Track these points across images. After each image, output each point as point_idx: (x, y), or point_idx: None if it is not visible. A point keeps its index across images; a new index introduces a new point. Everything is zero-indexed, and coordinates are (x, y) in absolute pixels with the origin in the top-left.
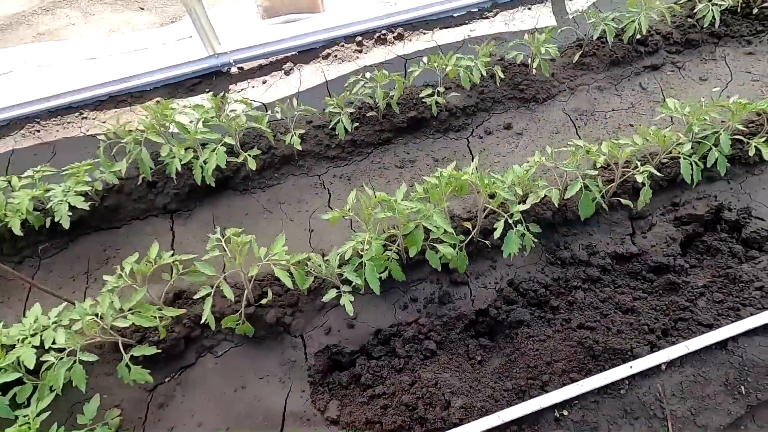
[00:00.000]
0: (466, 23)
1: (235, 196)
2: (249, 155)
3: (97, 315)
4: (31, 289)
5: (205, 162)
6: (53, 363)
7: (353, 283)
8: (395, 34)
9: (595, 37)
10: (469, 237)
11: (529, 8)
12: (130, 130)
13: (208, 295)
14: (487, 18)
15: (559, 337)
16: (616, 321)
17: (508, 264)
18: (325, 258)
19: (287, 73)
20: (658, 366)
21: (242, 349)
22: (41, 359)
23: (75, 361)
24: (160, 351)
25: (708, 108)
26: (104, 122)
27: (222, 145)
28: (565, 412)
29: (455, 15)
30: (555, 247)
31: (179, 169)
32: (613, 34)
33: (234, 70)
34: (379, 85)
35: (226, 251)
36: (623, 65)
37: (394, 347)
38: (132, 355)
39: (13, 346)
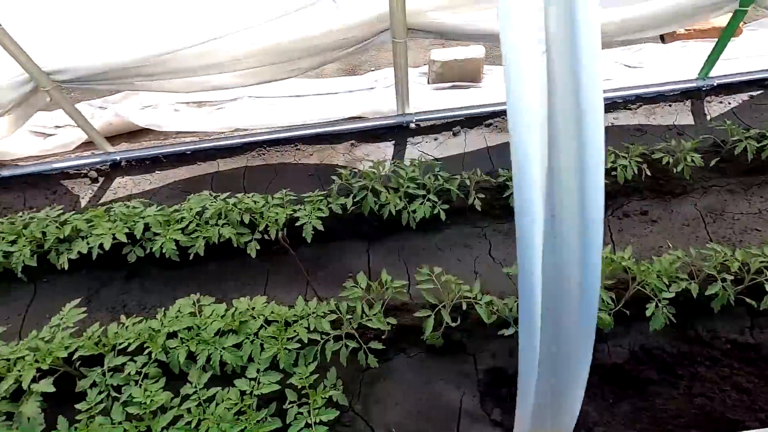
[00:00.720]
0: (610, 111)
1: (415, 233)
2: (441, 209)
3: (350, 313)
4: (269, 278)
5: (414, 211)
6: (322, 342)
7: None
8: None
9: (735, 153)
10: (618, 307)
11: (670, 105)
12: (355, 171)
13: (429, 316)
14: (630, 109)
15: (682, 400)
16: (732, 396)
17: (640, 332)
18: (504, 302)
19: (455, 135)
20: None
21: (427, 355)
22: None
23: (343, 345)
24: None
25: None
26: (311, 154)
27: (427, 200)
28: None
29: None
30: (683, 326)
31: (393, 213)
32: (753, 152)
33: (412, 125)
34: None
35: (435, 284)
36: (756, 175)
37: None
38: (369, 347)
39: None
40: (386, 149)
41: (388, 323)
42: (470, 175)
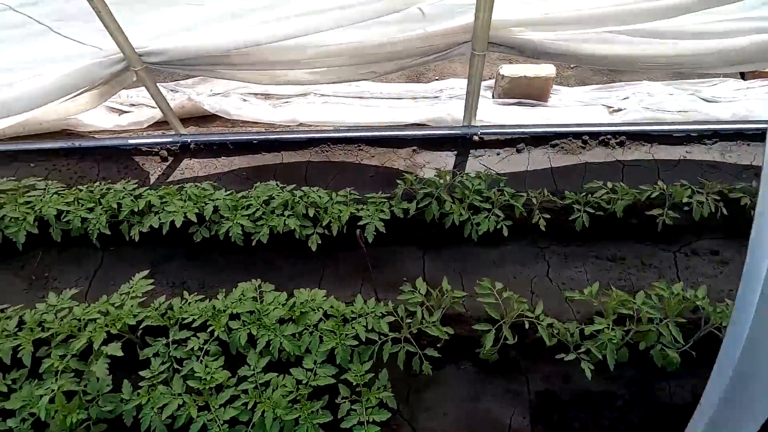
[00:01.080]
0: (684, 144)
1: (473, 246)
2: (504, 225)
3: (409, 317)
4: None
5: (478, 223)
6: (379, 342)
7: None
8: (618, 140)
9: None
10: (687, 346)
11: (748, 144)
12: (419, 177)
13: (488, 331)
14: (705, 144)
15: None
16: None
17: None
18: (565, 326)
19: (518, 152)
20: None
21: (478, 369)
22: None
23: (402, 349)
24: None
25: None
26: (373, 156)
27: (493, 214)
28: None
29: (675, 135)
30: None
31: (456, 222)
32: None
33: (475, 138)
34: (620, 196)
35: (497, 299)
36: None
37: (600, 409)
38: (425, 353)
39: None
40: (447, 159)
41: (446, 332)
42: (536, 194)
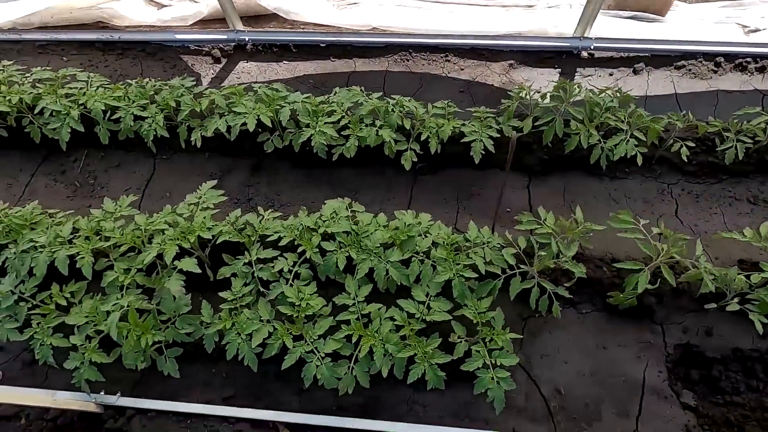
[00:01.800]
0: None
1: (586, 176)
2: (639, 152)
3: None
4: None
5: (612, 147)
6: (503, 276)
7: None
8: (758, 66)
9: None
10: None
11: None
12: (543, 95)
13: (639, 271)
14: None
15: None
16: None
17: None
18: (723, 272)
19: (636, 72)
20: None
21: (603, 315)
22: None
23: (535, 285)
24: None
25: None
26: (462, 69)
27: (631, 137)
28: None
29: None
30: None
31: (584, 145)
32: None
33: (584, 54)
34: None
35: (645, 235)
36: None
37: (753, 369)
38: (553, 292)
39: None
40: (550, 77)
41: (581, 270)
42: (678, 117)
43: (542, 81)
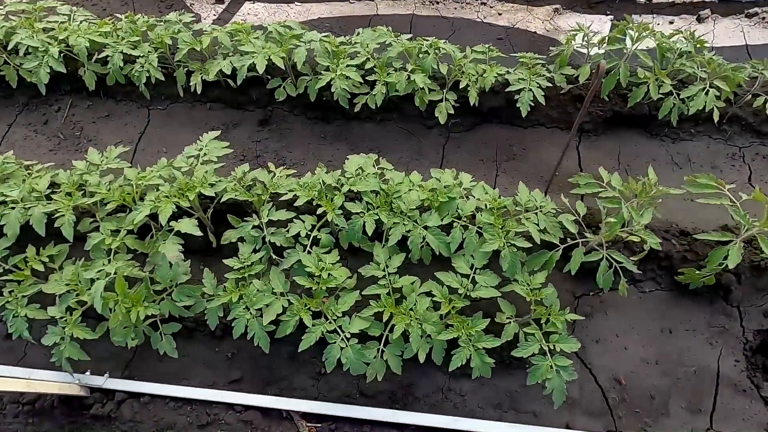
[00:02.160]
0: None
1: (644, 137)
2: (716, 106)
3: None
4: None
5: (686, 100)
6: (562, 246)
7: None
8: None
9: None
10: None
11: None
12: (601, 39)
13: (728, 242)
14: None
15: None
16: None
17: None
18: None
19: (700, 20)
20: None
21: (668, 295)
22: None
23: (604, 258)
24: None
25: None
26: (500, 14)
27: (711, 86)
28: None
29: None
30: None
31: (654, 96)
32: None
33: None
34: None
35: (733, 201)
36: None
37: None
38: (620, 266)
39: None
40: (601, 25)
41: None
42: (766, 65)
43: (591, 29)
